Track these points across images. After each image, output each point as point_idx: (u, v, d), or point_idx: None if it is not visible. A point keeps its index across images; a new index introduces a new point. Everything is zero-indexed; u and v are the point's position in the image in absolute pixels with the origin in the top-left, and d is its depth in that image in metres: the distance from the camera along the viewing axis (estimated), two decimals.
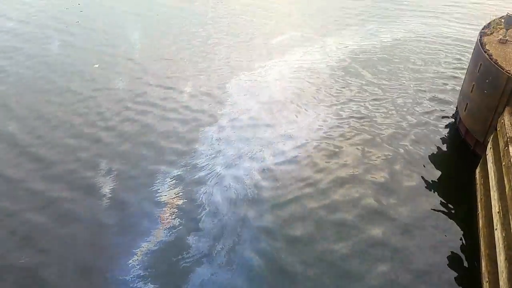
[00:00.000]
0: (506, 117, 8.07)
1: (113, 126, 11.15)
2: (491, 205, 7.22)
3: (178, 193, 8.64)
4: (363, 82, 13.22)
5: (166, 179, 9.09)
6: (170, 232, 7.66)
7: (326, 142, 10.31)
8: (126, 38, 16.33)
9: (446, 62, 14.39)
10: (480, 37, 10.02)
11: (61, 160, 9.76)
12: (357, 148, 10.07)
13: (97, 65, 14.28)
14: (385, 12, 18.83)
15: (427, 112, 11.53)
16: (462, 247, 7.45)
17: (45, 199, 8.53)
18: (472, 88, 9.51)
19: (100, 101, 12.35)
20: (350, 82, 13.25)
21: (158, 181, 9.02)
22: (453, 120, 11.10)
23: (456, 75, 13.35)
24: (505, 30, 9.79)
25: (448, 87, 12.75)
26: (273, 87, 13.17)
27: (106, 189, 8.76)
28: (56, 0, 20.36)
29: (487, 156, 8.22)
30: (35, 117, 11.53)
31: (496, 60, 8.77)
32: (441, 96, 12.32)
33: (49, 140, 10.56)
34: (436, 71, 13.77)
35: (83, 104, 12.21)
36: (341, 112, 11.59)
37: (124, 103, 12.23)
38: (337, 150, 10.03)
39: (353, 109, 11.76)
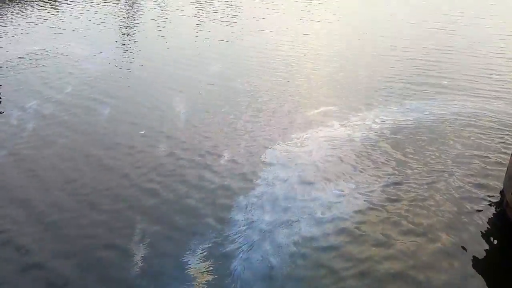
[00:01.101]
0: None
1: (148, 191, 11.46)
2: None
3: (208, 267, 8.51)
4: (399, 161, 12.89)
5: (197, 250, 9.03)
6: None
7: (364, 224, 9.97)
8: (172, 109, 17.16)
9: (488, 144, 13.86)
10: None
11: (90, 221, 10.01)
12: (394, 236, 9.62)
13: (143, 132, 15.08)
14: (425, 90, 18.57)
15: (469, 197, 10.96)
16: None
17: (72, 257, 8.66)
18: None
19: (140, 165, 12.83)
20: (386, 160, 12.98)
21: (188, 252, 8.97)
22: (499, 204, 10.57)
23: (500, 158, 12.79)
24: None
25: (491, 170, 12.22)
26: (310, 159, 13.21)
27: (134, 258, 8.78)
28: (109, 69, 22.08)
29: None
30: (72, 179, 12.09)
31: None
32: (484, 179, 11.77)
33: (83, 199, 10.96)
34: (477, 154, 13.24)
35: (123, 166, 12.74)
36: (376, 195, 11.14)
37: (163, 169, 12.66)
38: (373, 236, 9.58)
39: (389, 190, 11.33)
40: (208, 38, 26.75)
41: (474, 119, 15.69)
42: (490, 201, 10.81)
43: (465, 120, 15.66)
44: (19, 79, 20.66)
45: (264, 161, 13.13)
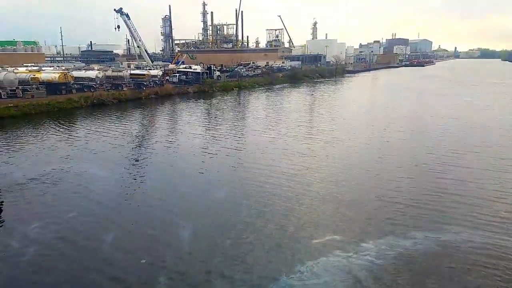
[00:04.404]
0: None
1: None
2: None
3: None
4: None
5: None
6: None
7: None
8: (175, 236, 17.31)
9: (497, 279, 13.57)
10: None
11: None
12: None
13: (144, 260, 14.93)
14: (431, 219, 18.55)
15: None
16: None
17: None
18: None
19: None
20: None
21: None
22: None
23: None
24: None
25: None
26: None
27: None
28: (116, 191, 22.65)
29: None
30: None
31: None
32: None
33: None
34: None
35: None
36: None
37: None
38: None
39: None
40: (216, 162, 27.88)
41: (481, 257, 15.38)
42: None
43: (472, 257, 15.38)
44: (28, 199, 21.20)
45: None
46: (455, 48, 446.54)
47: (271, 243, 16.50)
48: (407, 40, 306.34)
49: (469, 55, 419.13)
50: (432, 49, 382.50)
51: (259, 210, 19.77)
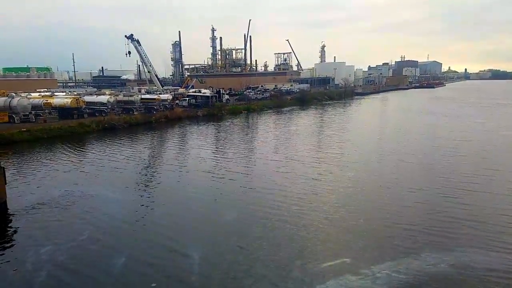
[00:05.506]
0: None
1: None
2: None
3: None
4: None
5: None
6: None
7: None
8: (185, 261, 17.11)
9: None
10: None
11: None
12: None
13: (154, 285, 14.79)
14: (442, 240, 18.22)
15: None
16: None
17: None
18: None
19: None
20: None
21: None
22: None
23: None
24: None
25: None
26: None
27: None
28: (127, 214, 22.63)
29: None
30: None
31: None
32: None
33: None
34: None
35: None
36: None
37: None
38: None
39: None
40: (226, 185, 27.86)
41: (496, 279, 14.96)
42: None
43: (486, 279, 14.96)
44: (40, 222, 21.33)
45: None
46: (465, 69, 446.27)
47: (281, 267, 16.25)
48: (417, 62, 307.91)
49: (480, 76, 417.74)
50: (442, 71, 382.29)
51: (268, 233, 19.54)
